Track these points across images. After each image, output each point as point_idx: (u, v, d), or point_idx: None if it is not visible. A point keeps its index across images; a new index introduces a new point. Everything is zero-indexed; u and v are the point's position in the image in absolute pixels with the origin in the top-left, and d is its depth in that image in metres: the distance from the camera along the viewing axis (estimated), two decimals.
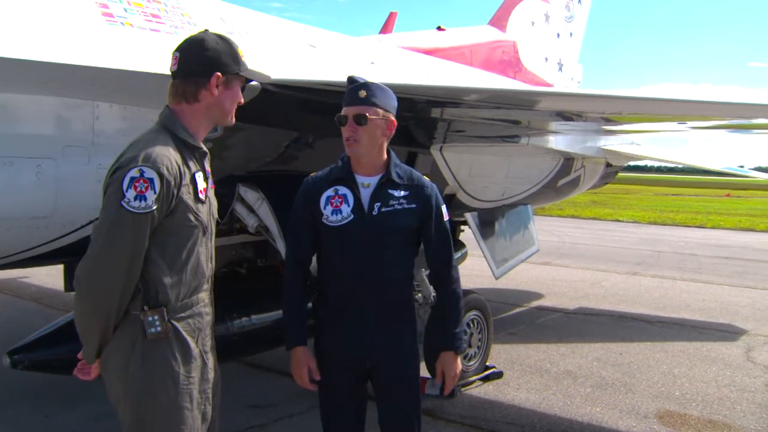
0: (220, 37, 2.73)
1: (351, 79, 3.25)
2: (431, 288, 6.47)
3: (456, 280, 3.39)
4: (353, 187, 3.20)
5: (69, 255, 4.42)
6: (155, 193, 2.44)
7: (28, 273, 10.76)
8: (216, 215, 2.90)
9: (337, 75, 5.74)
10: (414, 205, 3.24)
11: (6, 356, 4.52)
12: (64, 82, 3.83)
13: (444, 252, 3.36)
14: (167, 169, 2.48)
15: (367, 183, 3.23)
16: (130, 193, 2.41)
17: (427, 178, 3.37)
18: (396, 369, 3.29)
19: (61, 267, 4.98)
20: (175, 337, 2.60)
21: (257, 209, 5.05)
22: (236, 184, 5.02)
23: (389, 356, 3.26)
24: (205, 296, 2.77)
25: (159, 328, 2.55)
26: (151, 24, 4.31)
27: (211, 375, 2.78)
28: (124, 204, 2.41)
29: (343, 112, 3.16)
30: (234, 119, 2.84)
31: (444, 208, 3.36)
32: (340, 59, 6.37)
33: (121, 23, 4.12)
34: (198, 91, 2.67)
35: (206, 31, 2.77)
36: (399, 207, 3.21)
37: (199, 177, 2.67)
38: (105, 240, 2.47)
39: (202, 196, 2.66)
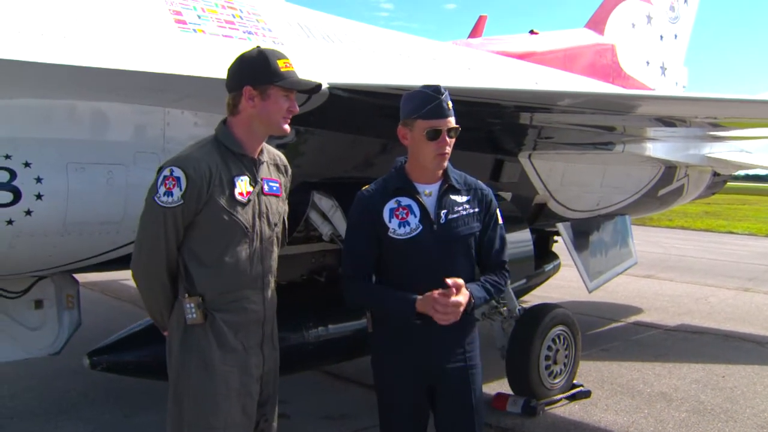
0: (261, 51, 2.87)
1: (434, 89, 3.02)
2: (516, 301, 6.25)
3: (507, 277, 3.25)
4: (416, 196, 3.07)
5: None
6: (181, 189, 2.70)
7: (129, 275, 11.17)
8: (276, 221, 3.02)
9: (415, 80, 5.63)
10: (477, 210, 3.14)
11: (86, 357, 4.62)
12: (135, 88, 3.89)
13: (502, 256, 3.23)
14: (194, 169, 2.72)
15: (429, 191, 3.09)
16: (161, 190, 2.72)
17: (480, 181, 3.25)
18: (462, 385, 3.13)
19: None
20: (212, 327, 2.80)
21: (331, 217, 4.97)
22: (311, 192, 4.97)
23: (455, 372, 3.11)
24: (251, 294, 2.89)
25: (195, 316, 2.78)
26: (224, 30, 4.34)
27: (255, 372, 2.90)
28: (156, 199, 2.73)
29: (434, 126, 2.97)
30: (286, 128, 2.94)
31: (499, 211, 3.24)
32: (421, 63, 6.26)
33: (194, 30, 4.16)
34: (236, 104, 2.86)
35: (258, 46, 2.93)
36: (464, 213, 3.10)
37: (241, 181, 2.85)
38: (141, 230, 2.84)
39: (241, 198, 2.83)
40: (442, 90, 3.01)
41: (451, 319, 2.91)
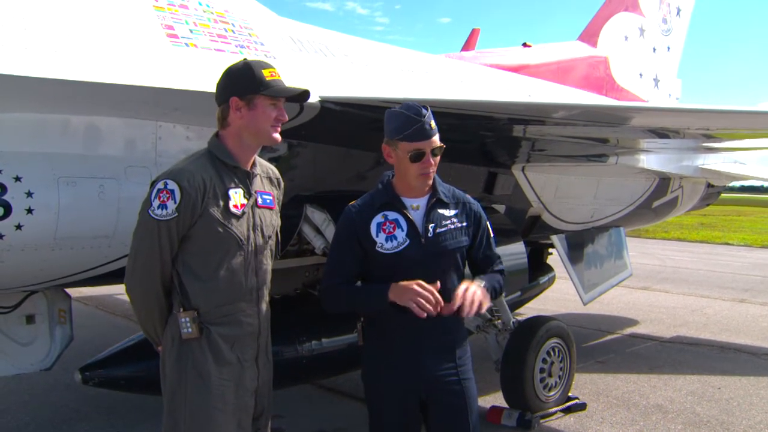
0: (246, 63, 2.88)
1: (415, 111, 2.98)
2: (510, 314, 6.24)
3: (503, 279, 3.26)
4: (403, 210, 3.07)
5: None
6: (176, 202, 2.70)
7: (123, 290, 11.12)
8: (270, 233, 3.02)
9: (407, 93, 5.64)
10: (465, 223, 3.14)
11: (78, 372, 4.60)
12: (127, 102, 3.88)
13: (497, 266, 3.24)
14: (188, 182, 2.72)
15: (416, 205, 3.10)
16: (155, 203, 2.72)
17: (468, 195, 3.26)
18: (453, 399, 3.11)
19: None
20: (207, 340, 2.80)
21: (324, 230, 4.96)
22: (303, 205, 4.96)
23: (448, 386, 3.09)
24: (246, 307, 2.89)
25: (191, 330, 2.77)
26: (216, 44, 4.33)
27: (251, 385, 2.91)
28: (150, 212, 2.73)
29: (417, 148, 2.96)
30: (277, 137, 2.94)
31: (489, 223, 3.25)
32: (414, 76, 6.27)
33: (186, 44, 4.16)
34: (225, 116, 2.88)
35: (244, 59, 2.95)
36: (452, 227, 3.10)
37: (235, 193, 2.85)
38: (135, 244, 2.84)
39: (236, 210, 2.83)
40: (424, 111, 2.99)
41: (425, 313, 2.84)
